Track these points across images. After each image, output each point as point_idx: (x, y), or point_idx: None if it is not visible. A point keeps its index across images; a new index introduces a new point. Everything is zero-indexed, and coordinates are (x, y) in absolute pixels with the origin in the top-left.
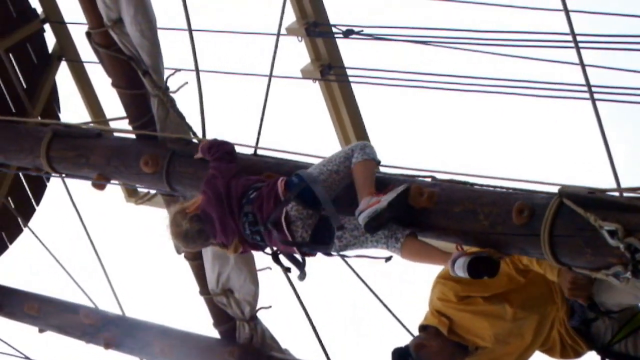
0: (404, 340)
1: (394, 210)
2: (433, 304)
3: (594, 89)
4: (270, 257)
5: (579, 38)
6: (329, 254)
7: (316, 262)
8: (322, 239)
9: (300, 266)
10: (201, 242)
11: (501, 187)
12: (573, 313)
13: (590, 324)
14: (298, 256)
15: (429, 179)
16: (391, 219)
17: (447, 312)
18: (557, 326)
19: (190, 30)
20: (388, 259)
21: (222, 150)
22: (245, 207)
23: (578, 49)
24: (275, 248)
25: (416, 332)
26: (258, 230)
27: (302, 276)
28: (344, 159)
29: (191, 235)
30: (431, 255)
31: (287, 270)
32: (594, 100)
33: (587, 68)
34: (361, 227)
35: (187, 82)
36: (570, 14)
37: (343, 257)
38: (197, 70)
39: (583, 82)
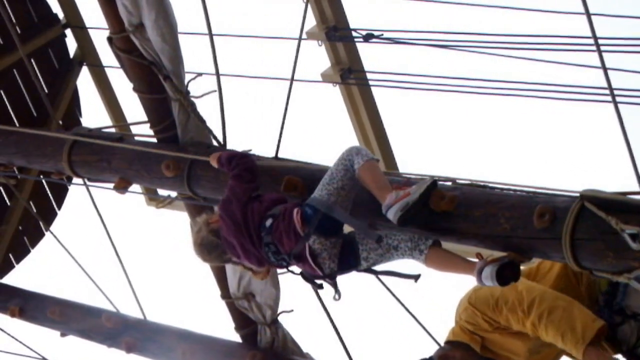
0: (426, 341)
1: (424, 202)
2: (462, 323)
3: (615, 92)
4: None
5: (600, 41)
6: (359, 270)
7: None
8: (348, 265)
9: (335, 288)
10: (216, 256)
11: (522, 190)
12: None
13: (617, 328)
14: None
15: (449, 183)
16: (421, 212)
17: (477, 332)
18: None
19: (211, 35)
20: (417, 277)
21: (243, 166)
22: (265, 238)
23: (600, 52)
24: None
25: (436, 333)
26: (283, 258)
27: (338, 296)
28: (344, 172)
29: (206, 246)
30: (456, 265)
31: (319, 287)
32: (616, 103)
33: (609, 71)
34: (393, 223)
35: (214, 90)
36: (592, 17)
37: (374, 273)
38: (217, 75)
39: (605, 85)
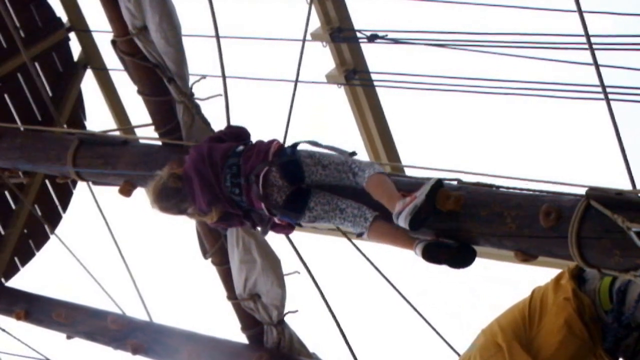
0: (432, 341)
1: (431, 203)
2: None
3: (608, 89)
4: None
5: (593, 39)
6: (298, 224)
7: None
8: (294, 207)
9: (265, 224)
10: (174, 204)
11: (527, 190)
12: (605, 334)
13: (621, 342)
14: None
15: (454, 182)
16: (431, 212)
17: None
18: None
19: (217, 37)
20: (359, 235)
21: (229, 129)
22: (230, 160)
23: (592, 49)
24: (247, 206)
25: (443, 332)
26: (239, 182)
27: (265, 232)
28: (341, 164)
29: (166, 191)
30: (397, 238)
31: (253, 227)
32: (608, 101)
33: (601, 68)
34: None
35: (219, 94)
36: (584, 14)
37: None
38: (223, 77)
39: (597, 82)
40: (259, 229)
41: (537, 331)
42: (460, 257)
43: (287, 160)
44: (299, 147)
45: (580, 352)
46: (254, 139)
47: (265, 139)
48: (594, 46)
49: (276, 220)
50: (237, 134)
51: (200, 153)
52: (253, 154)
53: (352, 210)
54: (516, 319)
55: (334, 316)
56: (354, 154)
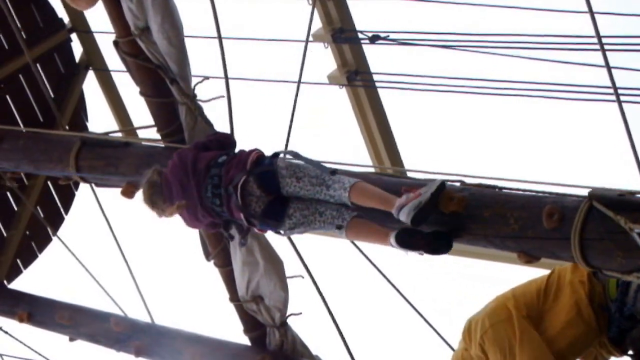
0: (434, 343)
1: (435, 202)
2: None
3: (619, 91)
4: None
5: (604, 40)
6: (278, 232)
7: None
8: (273, 215)
9: (244, 233)
10: (157, 198)
11: (530, 191)
12: (610, 324)
13: (626, 333)
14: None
15: (457, 184)
16: (432, 212)
17: None
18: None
19: (220, 38)
20: (339, 227)
21: (214, 136)
22: (212, 171)
23: (604, 51)
24: (228, 217)
25: (445, 333)
26: (219, 193)
27: (243, 243)
28: (315, 177)
29: (151, 184)
30: (374, 233)
31: (230, 238)
32: (620, 102)
33: (612, 70)
34: (405, 220)
35: (222, 96)
36: (596, 15)
37: (290, 238)
38: (226, 78)
39: (609, 84)
40: (236, 239)
41: (549, 307)
42: (437, 244)
43: (264, 170)
44: (280, 157)
45: (585, 337)
46: (255, 142)
47: (247, 149)
48: (605, 47)
49: (256, 230)
50: (222, 143)
51: (183, 161)
52: (233, 165)
53: (331, 212)
54: (531, 291)
55: (333, 318)
56: (334, 172)
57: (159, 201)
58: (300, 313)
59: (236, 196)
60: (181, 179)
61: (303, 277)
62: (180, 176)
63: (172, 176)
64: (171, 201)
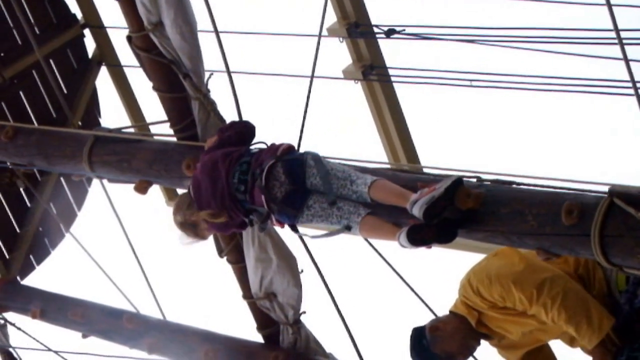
0: None
1: (449, 198)
2: (462, 297)
3: (638, 85)
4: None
5: (622, 33)
6: (294, 227)
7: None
8: (293, 203)
9: (264, 218)
10: (190, 209)
11: (549, 187)
12: (616, 314)
13: (633, 326)
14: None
15: (474, 180)
16: (447, 207)
17: (476, 307)
18: None
19: (217, 32)
20: (347, 228)
21: (233, 129)
22: (244, 158)
23: (622, 44)
24: (249, 205)
25: None
26: (245, 180)
27: (263, 227)
28: (341, 172)
29: (185, 200)
30: (384, 231)
31: (250, 224)
32: (638, 96)
33: (631, 63)
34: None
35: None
36: (613, 8)
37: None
38: (229, 72)
39: (627, 77)
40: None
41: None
42: (445, 232)
43: (293, 157)
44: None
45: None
46: (269, 137)
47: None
48: (624, 40)
49: (273, 219)
50: (243, 135)
51: (213, 158)
52: (262, 154)
53: (349, 207)
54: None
55: (341, 316)
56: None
57: (192, 207)
58: (304, 312)
59: (261, 179)
60: (211, 172)
61: (303, 271)
62: (210, 169)
63: (202, 174)
64: (200, 204)
